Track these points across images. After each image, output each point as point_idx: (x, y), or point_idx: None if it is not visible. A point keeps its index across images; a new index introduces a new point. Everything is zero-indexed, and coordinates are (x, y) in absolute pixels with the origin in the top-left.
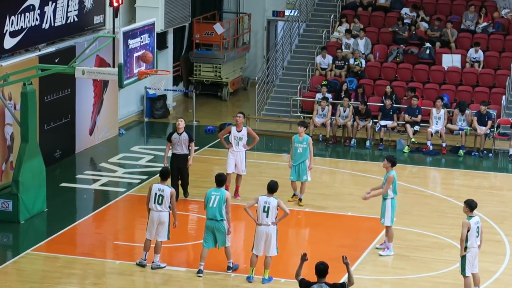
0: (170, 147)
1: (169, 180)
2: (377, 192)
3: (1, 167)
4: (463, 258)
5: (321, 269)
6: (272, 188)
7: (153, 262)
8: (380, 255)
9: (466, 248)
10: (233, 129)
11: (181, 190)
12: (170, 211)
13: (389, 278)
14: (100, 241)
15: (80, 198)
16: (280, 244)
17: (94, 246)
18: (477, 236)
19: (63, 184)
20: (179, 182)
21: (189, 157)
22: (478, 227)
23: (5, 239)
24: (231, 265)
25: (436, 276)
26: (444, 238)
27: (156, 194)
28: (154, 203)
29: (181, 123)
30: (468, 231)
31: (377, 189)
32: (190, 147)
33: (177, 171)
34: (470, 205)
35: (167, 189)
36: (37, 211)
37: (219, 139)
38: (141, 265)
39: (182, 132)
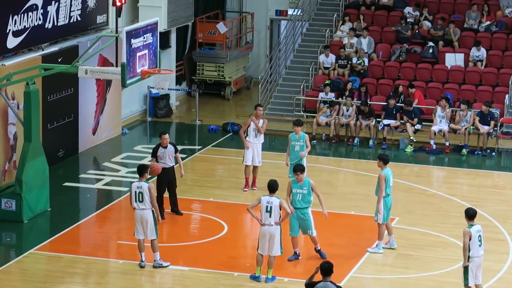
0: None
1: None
2: (379, 195)
3: (5, 166)
4: (466, 268)
5: (326, 268)
6: (272, 187)
7: (154, 261)
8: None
9: (469, 258)
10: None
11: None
12: (152, 208)
13: (392, 277)
14: (103, 240)
15: (83, 197)
16: (283, 244)
17: (97, 245)
18: (480, 245)
19: (66, 184)
20: (170, 199)
21: (180, 169)
22: (480, 236)
23: (8, 238)
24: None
25: (439, 275)
26: (448, 237)
27: (136, 192)
28: (136, 201)
29: (167, 139)
30: (470, 240)
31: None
32: (177, 158)
33: (167, 185)
34: (467, 214)
35: (144, 184)
36: (40, 210)
37: (222, 138)
38: (141, 266)
39: (167, 145)
